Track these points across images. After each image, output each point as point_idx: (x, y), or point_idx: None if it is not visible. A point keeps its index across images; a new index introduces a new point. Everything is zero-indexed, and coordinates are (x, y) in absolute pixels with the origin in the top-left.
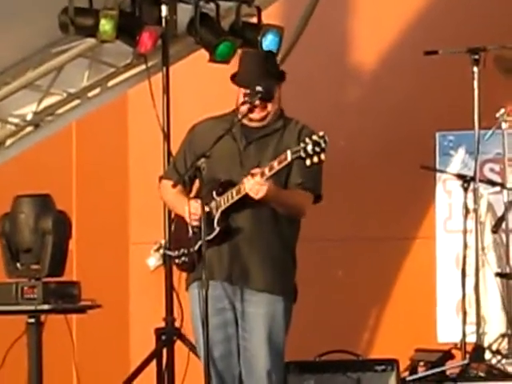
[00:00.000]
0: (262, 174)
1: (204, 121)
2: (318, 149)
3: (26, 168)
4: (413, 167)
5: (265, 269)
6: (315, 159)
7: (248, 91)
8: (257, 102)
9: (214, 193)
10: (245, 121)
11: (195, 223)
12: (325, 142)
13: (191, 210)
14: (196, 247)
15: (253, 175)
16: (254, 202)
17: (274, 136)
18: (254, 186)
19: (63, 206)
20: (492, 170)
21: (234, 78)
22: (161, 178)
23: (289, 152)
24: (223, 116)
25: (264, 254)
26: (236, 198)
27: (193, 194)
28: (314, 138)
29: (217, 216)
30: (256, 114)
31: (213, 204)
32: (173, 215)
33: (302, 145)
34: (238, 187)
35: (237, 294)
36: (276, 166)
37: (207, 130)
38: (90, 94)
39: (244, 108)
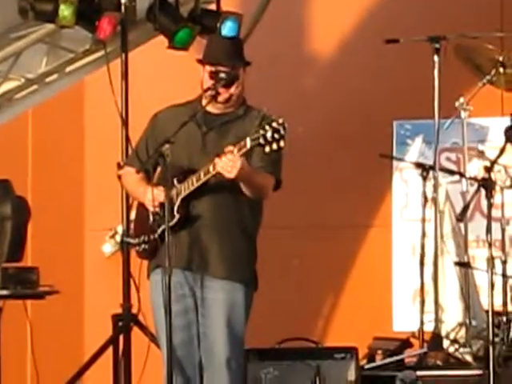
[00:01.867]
0: (231, 152)
1: (167, 108)
2: (277, 136)
3: None
4: (370, 155)
5: (225, 256)
6: (274, 146)
7: (213, 69)
8: (221, 89)
9: (175, 180)
10: (208, 107)
11: (155, 209)
12: (284, 128)
13: (154, 196)
14: (157, 234)
15: (224, 154)
16: (215, 189)
17: (236, 123)
18: (228, 163)
19: (19, 192)
20: (449, 159)
21: (200, 60)
22: (119, 165)
23: (248, 139)
24: (186, 104)
25: (224, 241)
26: (198, 183)
27: (155, 179)
28: (274, 124)
29: (177, 203)
30: (220, 97)
31: (173, 191)
32: (131, 201)
33: (262, 132)
34: (199, 172)
35: (197, 280)
36: (236, 152)
37: (170, 118)
38: (47, 80)
39: (209, 93)
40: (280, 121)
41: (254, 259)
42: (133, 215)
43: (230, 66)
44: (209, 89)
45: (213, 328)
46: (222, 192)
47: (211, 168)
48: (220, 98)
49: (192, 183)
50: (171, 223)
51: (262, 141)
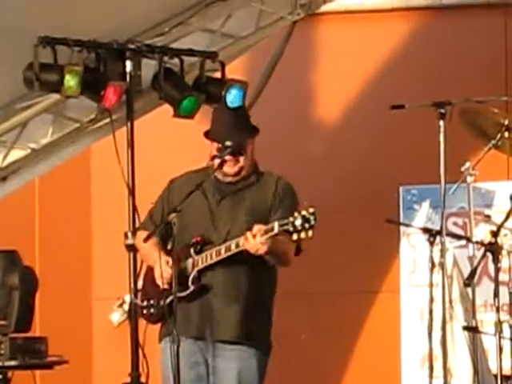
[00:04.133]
0: (261, 233)
1: (182, 175)
2: (307, 225)
3: None
4: (377, 221)
5: (237, 321)
6: (302, 235)
7: (220, 145)
8: (227, 157)
9: (192, 250)
10: (219, 176)
11: (165, 286)
12: (315, 218)
13: (163, 273)
14: (167, 301)
15: (254, 235)
16: (230, 259)
17: (249, 190)
18: (256, 245)
19: (26, 262)
20: (455, 223)
21: (207, 133)
22: (126, 235)
23: (276, 224)
24: (201, 170)
25: (237, 307)
26: (218, 258)
27: (169, 246)
28: (303, 213)
29: (192, 274)
30: (228, 169)
31: (189, 261)
32: (138, 271)
33: (291, 218)
34: (220, 248)
35: (209, 349)
36: (262, 235)
37: (184, 185)
38: (53, 150)
39: (215, 162)
40: (311, 210)
41: (268, 326)
42: (140, 284)
43: (233, 141)
44: (215, 157)
45: None
46: (237, 262)
47: (233, 246)
48: (229, 171)
49: (211, 257)
50: (184, 294)
51: (290, 228)
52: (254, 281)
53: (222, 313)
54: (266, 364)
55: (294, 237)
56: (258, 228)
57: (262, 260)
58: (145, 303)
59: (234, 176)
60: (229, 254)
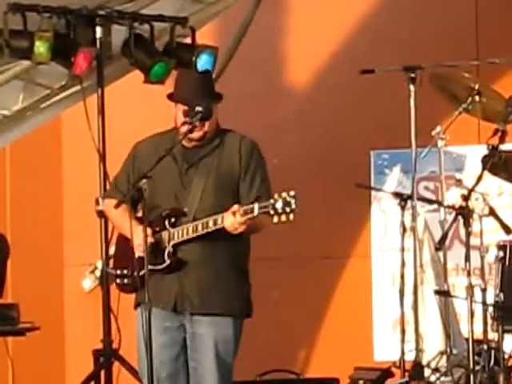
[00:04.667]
0: (240, 213)
1: (147, 138)
2: (287, 208)
3: None
4: (348, 186)
5: (212, 292)
6: (283, 218)
7: (187, 108)
8: (197, 123)
9: (167, 222)
10: (183, 142)
11: (142, 254)
12: (295, 202)
13: (140, 240)
14: (142, 272)
15: (233, 214)
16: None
17: (214, 154)
18: (233, 225)
19: None
20: (427, 188)
21: (171, 96)
22: (97, 201)
23: (256, 206)
24: (166, 133)
25: (211, 278)
26: (194, 234)
27: (139, 213)
28: (284, 195)
29: (168, 248)
30: (195, 133)
31: (165, 234)
32: (110, 236)
33: (272, 201)
34: (200, 222)
35: (186, 316)
36: (241, 215)
37: (150, 148)
38: (24, 116)
39: (184, 128)
40: (292, 193)
41: (247, 290)
42: (112, 250)
43: (203, 106)
44: (185, 123)
45: (203, 363)
46: (212, 236)
47: (211, 223)
48: (195, 136)
49: (187, 232)
50: (160, 267)
51: (271, 210)
52: (230, 252)
53: (198, 286)
54: (242, 329)
55: (275, 219)
56: (237, 208)
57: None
58: (118, 272)
59: (199, 140)
60: (206, 231)
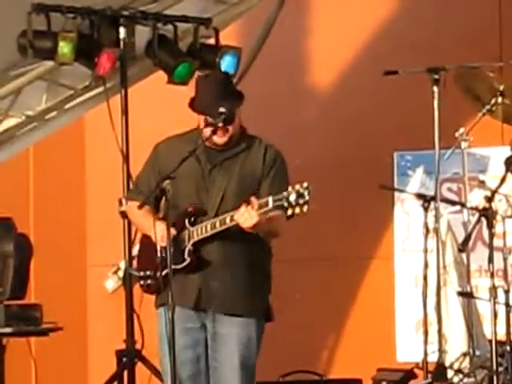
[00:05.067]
0: (253, 207)
1: (167, 139)
2: (301, 200)
3: None
4: (371, 187)
5: (236, 293)
6: (297, 210)
7: (208, 117)
8: (220, 125)
9: (187, 221)
10: (208, 143)
11: (164, 244)
12: (309, 193)
13: (163, 234)
14: (163, 273)
15: (246, 206)
16: (226, 231)
17: (238, 158)
18: (246, 218)
19: (21, 229)
20: (450, 189)
21: (191, 104)
22: (120, 201)
23: (270, 199)
24: (186, 134)
25: (235, 279)
26: (213, 231)
27: (161, 213)
28: (297, 187)
29: (188, 247)
30: (218, 138)
31: (185, 233)
32: (133, 237)
33: (285, 193)
34: (215, 221)
35: (208, 315)
36: (257, 209)
37: (171, 149)
38: (48, 117)
39: (207, 130)
40: (305, 185)
41: (267, 291)
42: (135, 251)
43: (226, 109)
44: (208, 124)
45: (225, 364)
46: (232, 233)
47: (228, 219)
48: (219, 141)
49: (206, 230)
50: (180, 266)
51: (284, 203)
52: (251, 251)
53: (220, 285)
54: (263, 330)
55: (289, 212)
56: (252, 201)
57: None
58: (141, 274)
59: (224, 145)
60: (224, 227)
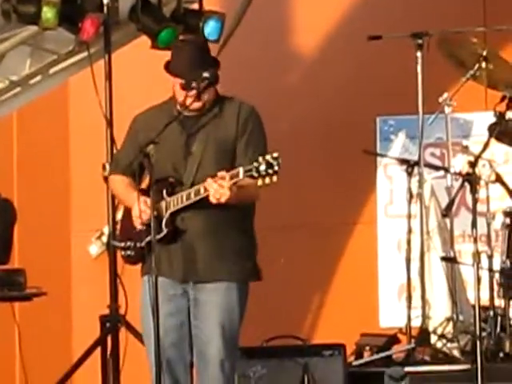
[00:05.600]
0: (223, 179)
1: (145, 111)
2: (270, 170)
3: None
4: (353, 152)
5: (216, 260)
6: (267, 180)
7: (183, 81)
8: (192, 93)
9: (165, 192)
10: (182, 110)
11: (141, 227)
12: (278, 164)
13: (140, 214)
14: (143, 243)
15: (215, 180)
16: (204, 200)
17: (213, 123)
18: (218, 191)
19: (4, 194)
20: (433, 154)
21: (167, 67)
22: (104, 166)
23: (241, 169)
24: (163, 104)
25: (215, 245)
26: (188, 201)
27: (143, 184)
28: (267, 158)
29: (165, 217)
30: (194, 104)
31: (162, 204)
32: (117, 202)
33: (255, 164)
34: (193, 189)
35: (189, 283)
36: (228, 179)
37: (149, 120)
38: (31, 82)
39: (182, 93)
40: (274, 155)
41: (252, 254)
42: (119, 216)
43: (199, 77)
44: (183, 89)
45: (206, 330)
46: (210, 203)
47: (202, 190)
48: (194, 106)
49: (182, 200)
50: (158, 236)
51: (254, 173)
52: (232, 216)
53: (201, 254)
54: (247, 292)
55: (259, 182)
56: (220, 174)
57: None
58: (122, 244)
59: (199, 111)
60: (198, 197)
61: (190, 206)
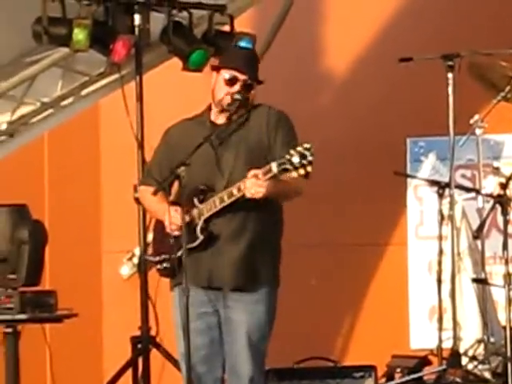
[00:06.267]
0: (257, 177)
1: (177, 124)
2: (304, 161)
3: None
4: (384, 173)
5: (243, 266)
6: (301, 171)
7: (228, 77)
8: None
9: (196, 200)
10: (213, 117)
11: (175, 233)
12: (311, 154)
13: (171, 219)
14: (178, 254)
15: (252, 176)
16: (235, 204)
17: (242, 130)
18: (253, 187)
19: (36, 216)
20: (464, 175)
21: (219, 64)
22: (135, 187)
23: (274, 164)
24: (195, 117)
25: (243, 252)
26: (222, 205)
27: (172, 196)
28: (299, 149)
29: (199, 224)
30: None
31: (194, 211)
32: (148, 223)
33: (288, 156)
34: (222, 194)
35: (219, 299)
36: (261, 177)
37: (182, 132)
38: (63, 103)
39: (227, 98)
40: (306, 145)
41: (276, 260)
42: (150, 237)
43: (248, 74)
44: (228, 84)
45: (236, 348)
46: (242, 206)
47: (235, 191)
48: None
49: (215, 205)
50: (194, 244)
51: (288, 166)
52: (261, 223)
53: (228, 258)
54: (276, 299)
55: (294, 174)
56: (253, 172)
57: (267, 201)
58: (157, 258)
59: (227, 119)
60: (232, 199)
61: (221, 211)
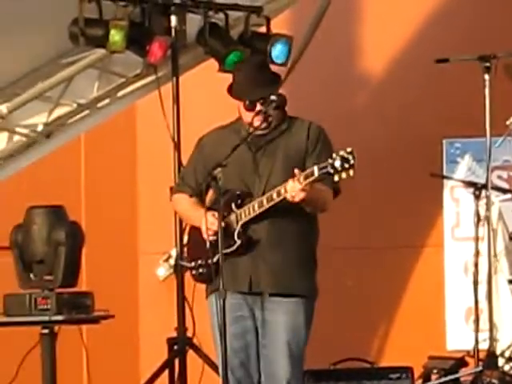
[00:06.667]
0: (299, 178)
1: (211, 132)
2: (346, 165)
3: (35, 179)
4: (420, 175)
5: (283, 271)
6: (343, 175)
7: (247, 102)
8: (271, 111)
9: (233, 205)
10: (250, 129)
11: (212, 238)
12: (353, 157)
13: (208, 225)
14: (214, 259)
15: (293, 180)
16: (273, 209)
17: (281, 138)
18: (294, 190)
19: (72, 217)
20: (500, 177)
21: (229, 90)
22: (171, 189)
23: (316, 168)
24: (229, 125)
25: (283, 259)
26: (261, 209)
27: (207, 203)
28: (342, 153)
29: (237, 229)
30: (258, 122)
31: (232, 217)
32: (184, 225)
33: (330, 160)
34: (265, 196)
35: (257, 302)
36: (302, 181)
37: (215, 141)
38: (99, 105)
39: (248, 115)
40: (348, 150)
41: (314, 272)
42: (186, 239)
43: (262, 95)
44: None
45: (274, 350)
46: (280, 211)
47: (275, 195)
48: (262, 125)
49: (253, 209)
50: (232, 249)
51: (330, 169)
52: (299, 229)
53: (269, 264)
54: (313, 309)
55: (336, 178)
56: (298, 173)
57: (303, 208)
58: (192, 264)
59: (265, 129)
60: (271, 204)
61: (259, 217)
